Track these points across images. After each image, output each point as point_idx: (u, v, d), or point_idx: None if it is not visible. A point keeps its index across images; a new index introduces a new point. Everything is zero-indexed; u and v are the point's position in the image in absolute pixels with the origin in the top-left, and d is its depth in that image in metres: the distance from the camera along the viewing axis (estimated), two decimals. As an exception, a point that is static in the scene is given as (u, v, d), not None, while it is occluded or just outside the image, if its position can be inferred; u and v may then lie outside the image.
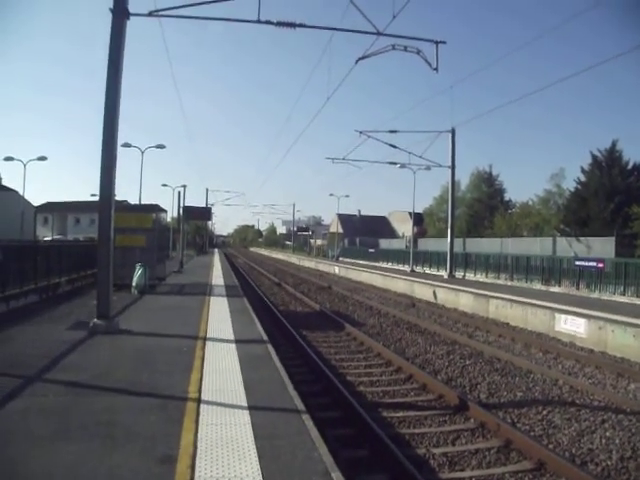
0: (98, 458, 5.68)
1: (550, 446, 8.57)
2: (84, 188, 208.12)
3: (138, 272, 21.90)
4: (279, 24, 14.79)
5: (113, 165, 13.29)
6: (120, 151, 14.52)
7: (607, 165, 51.42)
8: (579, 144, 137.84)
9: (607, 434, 9.16)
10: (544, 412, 10.27)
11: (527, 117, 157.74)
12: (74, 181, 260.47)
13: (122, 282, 21.59)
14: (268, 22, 14.71)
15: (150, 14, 13.73)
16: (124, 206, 32.20)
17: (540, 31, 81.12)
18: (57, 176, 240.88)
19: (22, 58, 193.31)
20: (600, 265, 26.07)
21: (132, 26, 13.75)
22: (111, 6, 13.22)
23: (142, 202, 44.32)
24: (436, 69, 16.99)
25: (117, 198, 14.87)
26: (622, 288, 24.31)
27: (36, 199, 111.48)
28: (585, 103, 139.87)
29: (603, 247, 37.47)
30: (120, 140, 14.72)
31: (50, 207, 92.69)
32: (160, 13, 13.87)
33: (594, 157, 52.76)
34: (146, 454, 5.80)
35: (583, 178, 53.34)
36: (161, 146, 47.73)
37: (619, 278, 24.68)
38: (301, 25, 14.99)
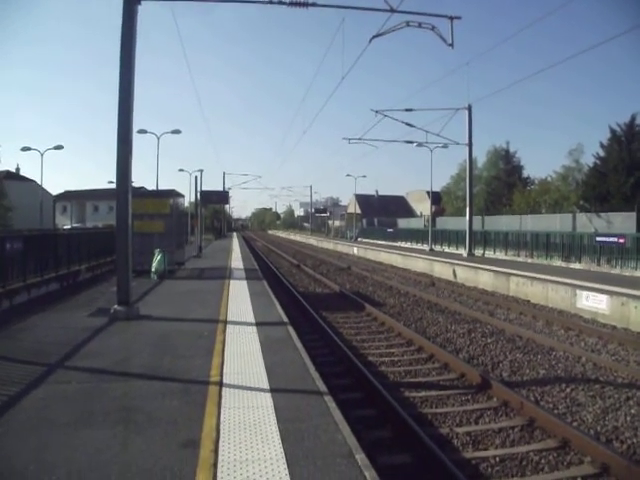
0: (121, 444, 5.71)
1: (574, 424, 8.50)
2: (101, 175, 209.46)
3: (157, 258, 21.97)
4: (291, 4, 14.67)
5: (129, 151, 13.27)
6: (136, 137, 14.53)
7: (626, 139, 50.70)
8: (595, 121, 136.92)
9: (632, 411, 9.08)
10: (567, 390, 10.21)
11: (542, 94, 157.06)
12: (91, 169, 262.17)
13: (141, 268, 21.68)
14: (280, 2, 14.59)
15: (162, -2, 13.65)
16: (141, 192, 32.20)
17: (549, 9, 79.62)
18: (74, 164, 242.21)
19: (37, 42, 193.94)
20: (621, 241, 25.79)
21: (144, 10, 13.69)
22: (122, -9, 13.17)
23: (159, 188, 44.38)
24: (451, 45, 16.82)
25: (134, 184, 14.89)
26: (644, 263, 24.06)
27: (54, 188, 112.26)
28: (599, 80, 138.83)
29: (624, 222, 37.06)
30: (136, 127, 14.69)
31: (68, 196, 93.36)
32: (171, -4, 13.79)
33: (613, 131, 52.03)
34: (169, 439, 5.82)
35: (602, 153, 52.66)
36: (177, 131, 47.66)
37: (641, 253, 24.43)
38: (313, 4, 14.85)
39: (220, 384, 7.78)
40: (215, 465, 5.20)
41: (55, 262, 19.72)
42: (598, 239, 27.62)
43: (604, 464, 6.90)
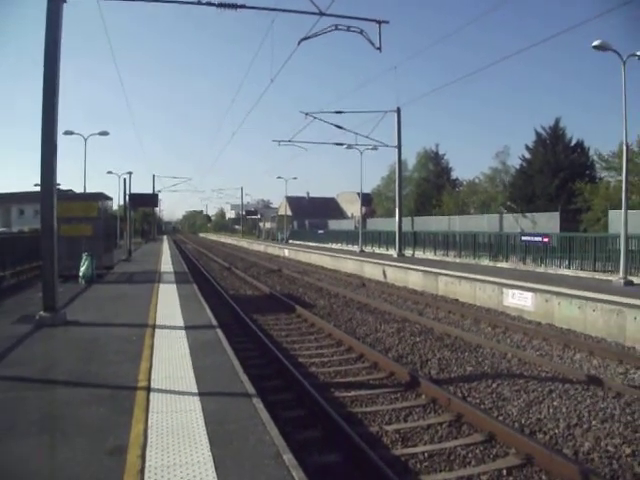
0: (47, 453, 5.59)
1: (500, 418, 8.72)
2: (28, 177, 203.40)
3: (85, 262, 21.56)
4: (220, 5, 14.64)
5: (54, 153, 12.95)
6: (63, 139, 14.22)
7: (551, 142, 52.17)
8: (523, 122, 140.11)
9: (554, 404, 9.38)
10: (494, 385, 10.46)
11: (473, 95, 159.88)
12: (16, 170, 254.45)
13: (69, 273, 21.22)
14: (209, 4, 14.56)
15: (87, -4, 13.39)
16: (68, 195, 31.43)
17: (492, 6, 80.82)
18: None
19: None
20: (545, 240, 26.56)
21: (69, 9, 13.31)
22: (45, -11, 12.83)
23: (87, 190, 43.52)
24: (379, 48, 17.04)
25: (61, 187, 14.59)
26: (567, 262, 24.81)
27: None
28: (529, 80, 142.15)
29: (548, 222, 38.11)
30: (62, 127, 14.37)
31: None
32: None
33: (538, 134, 53.49)
34: (96, 446, 5.72)
35: (528, 155, 54.09)
36: (104, 133, 46.78)
37: (564, 252, 25.19)
38: (242, 6, 14.86)
39: (148, 389, 7.68)
40: (142, 471, 5.14)
41: (-23, 268, 19.17)
42: (524, 238, 28.38)
43: (528, 455, 7.11)
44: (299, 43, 18.19)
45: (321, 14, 15.85)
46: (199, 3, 14.51)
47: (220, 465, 5.24)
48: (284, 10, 16.11)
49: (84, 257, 21.69)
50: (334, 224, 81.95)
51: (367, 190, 70.18)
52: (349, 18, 17.17)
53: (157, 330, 12.04)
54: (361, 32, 17.32)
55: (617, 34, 49.24)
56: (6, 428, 6.26)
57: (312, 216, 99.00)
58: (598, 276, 22.36)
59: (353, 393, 10.07)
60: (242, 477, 5.02)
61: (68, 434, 6.08)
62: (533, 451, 7.14)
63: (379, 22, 16.92)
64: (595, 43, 19.63)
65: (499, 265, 28.92)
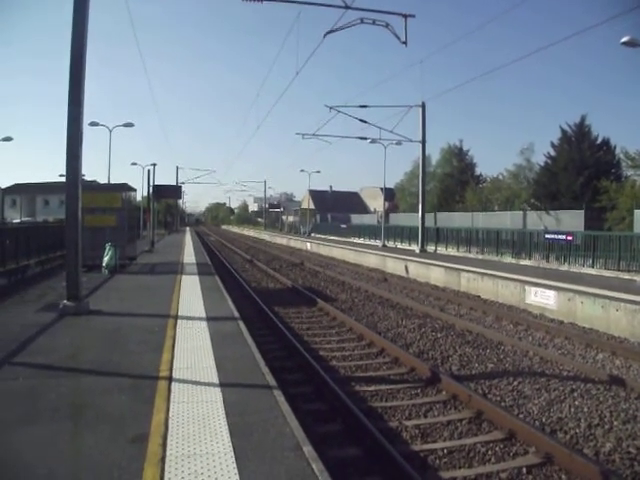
0: (68, 440, 5.66)
1: (520, 416, 8.67)
2: (53, 168, 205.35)
3: (108, 252, 21.71)
4: (246, -2, 14.67)
5: (79, 144, 13.02)
6: (88, 130, 14.29)
7: (576, 140, 51.79)
8: (545, 120, 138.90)
9: (576, 403, 9.30)
10: (515, 383, 10.40)
11: (497, 91, 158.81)
12: (42, 161, 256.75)
13: (92, 263, 21.41)
14: (235, -4, 14.58)
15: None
16: (92, 186, 31.60)
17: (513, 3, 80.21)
18: (24, 157, 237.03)
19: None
20: (569, 238, 26.31)
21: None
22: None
23: (111, 181, 43.77)
24: (405, 43, 16.99)
25: (86, 178, 14.70)
26: (591, 260, 24.58)
27: (3, 181, 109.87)
28: (555, 77, 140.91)
29: (572, 220, 37.84)
30: (88, 118, 14.45)
31: (18, 189, 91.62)
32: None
33: (564, 132, 53.12)
34: (117, 434, 5.78)
35: (553, 152, 53.72)
36: (129, 124, 46.99)
37: (588, 250, 24.93)
38: (269, -2, 14.88)
39: (169, 379, 7.74)
40: (163, 459, 5.18)
41: (2, 257, 19.36)
42: (547, 236, 28.13)
43: (548, 454, 7.07)
44: (325, 36, 18.16)
45: (347, 7, 15.82)
46: (226, -5, 14.56)
47: (240, 456, 5.27)
48: (310, 3, 16.10)
49: (107, 247, 21.85)
50: (356, 218, 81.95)
51: (390, 185, 69.99)
52: (375, 12, 17.16)
53: (179, 321, 12.12)
54: (387, 26, 17.30)
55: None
56: (30, 415, 6.34)
57: (335, 210, 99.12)
58: (622, 275, 22.12)
59: (373, 388, 10.05)
60: (262, 468, 5.05)
61: (90, 421, 6.16)
62: (553, 450, 7.09)
63: (405, 16, 16.88)
64: (624, 39, 19.38)
65: (522, 263, 28.70)
